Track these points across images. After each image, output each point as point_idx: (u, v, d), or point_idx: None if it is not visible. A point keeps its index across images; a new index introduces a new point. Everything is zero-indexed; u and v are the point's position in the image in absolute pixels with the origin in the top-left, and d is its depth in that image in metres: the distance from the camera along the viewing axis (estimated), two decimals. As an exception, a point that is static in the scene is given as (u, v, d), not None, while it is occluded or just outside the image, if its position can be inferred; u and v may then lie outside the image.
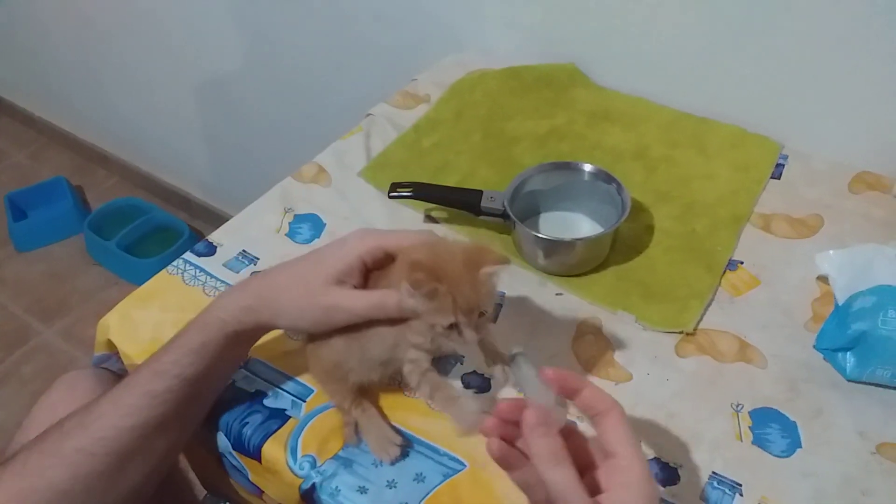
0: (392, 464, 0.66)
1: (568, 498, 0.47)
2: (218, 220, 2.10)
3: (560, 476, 0.48)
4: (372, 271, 0.65)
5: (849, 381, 0.71)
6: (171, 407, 0.61)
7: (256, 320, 0.64)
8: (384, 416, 0.69)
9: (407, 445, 0.67)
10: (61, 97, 2.44)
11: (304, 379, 0.73)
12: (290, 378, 0.74)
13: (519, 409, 0.52)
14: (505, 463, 0.53)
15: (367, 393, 0.70)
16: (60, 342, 1.95)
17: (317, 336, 0.68)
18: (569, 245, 0.82)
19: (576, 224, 0.88)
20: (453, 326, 0.59)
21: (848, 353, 0.71)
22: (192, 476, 0.88)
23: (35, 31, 2.24)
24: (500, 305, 0.79)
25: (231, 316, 0.63)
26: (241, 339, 0.65)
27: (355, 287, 0.63)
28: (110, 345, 0.80)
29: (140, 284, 0.84)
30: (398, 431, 0.68)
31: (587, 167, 0.86)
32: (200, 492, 0.91)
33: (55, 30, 2.16)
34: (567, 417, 0.55)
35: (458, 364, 0.74)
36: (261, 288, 0.65)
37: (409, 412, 0.70)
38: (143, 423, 0.60)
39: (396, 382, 0.72)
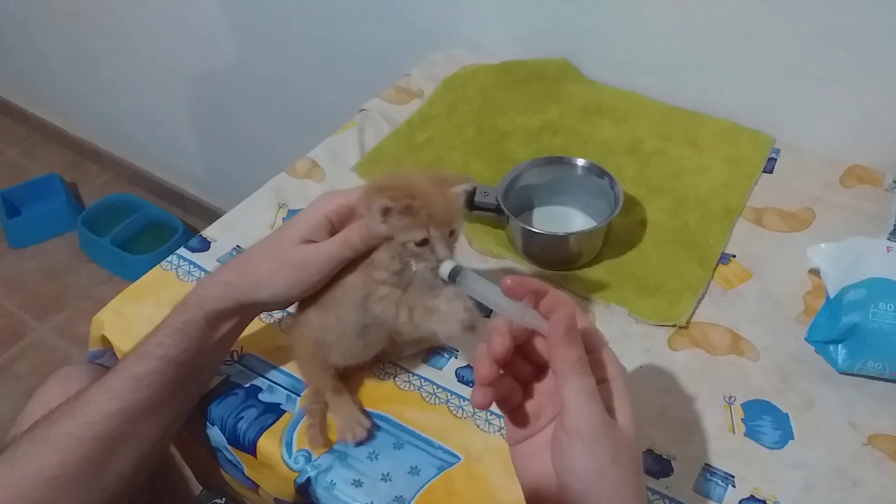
0: (356, 445, 0.67)
1: (589, 406, 0.45)
2: (212, 215, 2.09)
3: (587, 383, 0.45)
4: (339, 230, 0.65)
5: (840, 373, 0.72)
6: (156, 390, 0.61)
7: (235, 296, 0.63)
8: (356, 401, 0.70)
9: (373, 428, 0.68)
10: (54, 93, 2.43)
11: (299, 373, 0.73)
12: (284, 372, 0.74)
13: (509, 328, 0.48)
14: (499, 390, 0.49)
15: (350, 379, 0.71)
16: (55, 339, 1.95)
17: (298, 318, 0.68)
18: (562, 239, 0.82)
19: (569, 218, 0.88)
20: (425, 243, 0.58)
21: (839, 345, 0.71)
22: (187, 472, 0.88)
23: (28, 26, 2.23)
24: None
25: (210, 293, 0.63)
26: (223, 319, 0.64)
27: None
28: (104, 341, 0.80)
29: (134, 281, 0.84)
30: (395, 424, 0.69)
31: (580, 162, 0.87)
32: (196, 488, 0.91)
33: (48, 26, 2.15)
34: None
35: (453, 357, 0.74)
36: (237, 264, 0.65)
37: (404, 405, 0.70)
38: (130, 407, 0.60)
39: (382, 368, 0.72)
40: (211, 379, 0.71)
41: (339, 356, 0.68)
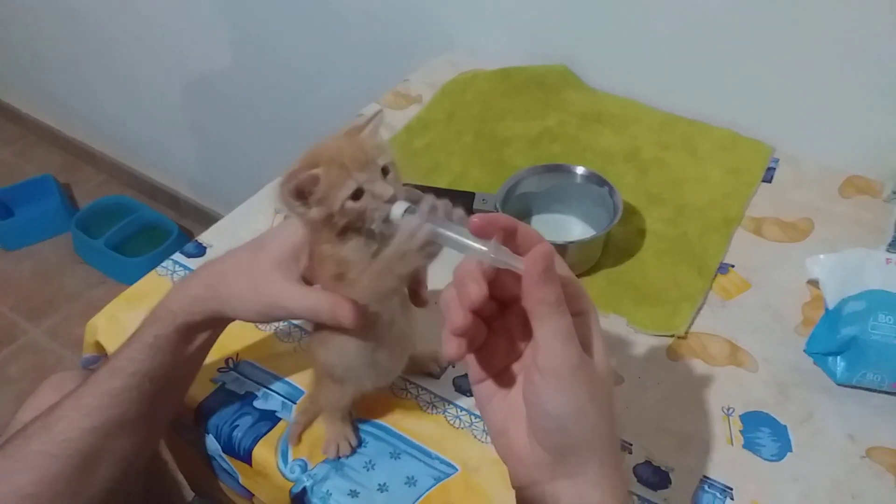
0: (334, 459, 0.66)
1: (567, 347, 0.42)
2: (207, 218, 2.09)
3: (564, 322, 0.42)
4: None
5: (839, 385, 0.71)
6: (132, 406, 0.60)
7: (204, 310, 0.60)
8: (353, 413, 0.69)
9: (356, 448, 0.67)
10: (49, 94, 2.42)
11: (295, 380, 0.73)
12: (280, 379, 0.73)
13: (482, 272, 0.44)
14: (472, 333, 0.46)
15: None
16: (47, 341, 1.93)
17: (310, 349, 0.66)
18: (561, 248, 0.81)
19: (568, 227, 0.88)
20: (361, 193, 0.52)
21: (838, 357, 0.71)
22: (180, 478, 0.88)
23: (23, 27, 2.22)
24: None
25: (179, 307, 0.60)
26: (195, 332, 0.62)
27: (304, 269, 0.60)
28: (98, 346, 0.79)
29: (128, 284, 0.83)
30: (392, 433, 0.68)
31: (579, 170, 0.86)
32: (189, 494, 0.90)
33: (43, 26, 2.14)
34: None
35: (451, 366, 0.74)
36: (207, 276, 0.62)
37: (401, 414, 0.70)
38: (104, 424, 0.59)
39: (400, 389, 0.72)
40: (187, 389, 0.69)
41: (354, 388, 0.64)
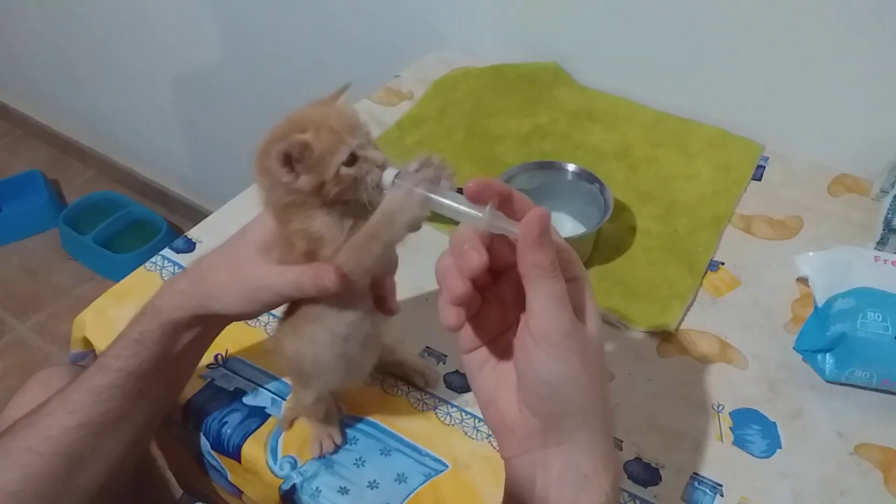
0: (318, 458, 0.66)
1: (560, 311, 0.42)
2: (196, 214, 2.08)
3: (558, 287, 0.42)
4: None
5: (828, 382, 0.72)
6: (117, 403, 0.59)
7: (188, 305, 0.59)
8: (341, 410, 0.69)
9: (340, 446, 0.66)
10: (37, 89, 2.41)
11: (285, 377, 0.72)
12: (269, 376, 0.73)
13: (482, 239, 0.44)
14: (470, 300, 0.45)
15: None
16: (34, 337, 1.92)
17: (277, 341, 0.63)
18: (552, 244, 0.82)
19: (559, 224, 0.88)
20: (355, 159, 0.50)
21: (827, 354, 0.71)
22: (169, 476, 0.87)
23: (11, 21, 2.21)
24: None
25: (165, 302, 0.60)
26: (181, 329, 0.60)
27: (278, 258, 0.58)
28: (86, 342, 0.78)
29: (116, 280, 0.83)
30: (383, 430, 0.68)
31: (570, 167, 0.87)
32: (178, 492, 0.90)
33: (32, 20, 2.13)
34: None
35: (441, 363, 0.74)
36: (192, 271, 0.61)
37: (392, 411, 0.70)
38: (89, 421, 0.58)
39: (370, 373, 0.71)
40: (179, 393, 0.68)
41: (320, 385, 0.62)
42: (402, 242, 0.51)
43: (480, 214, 0.43)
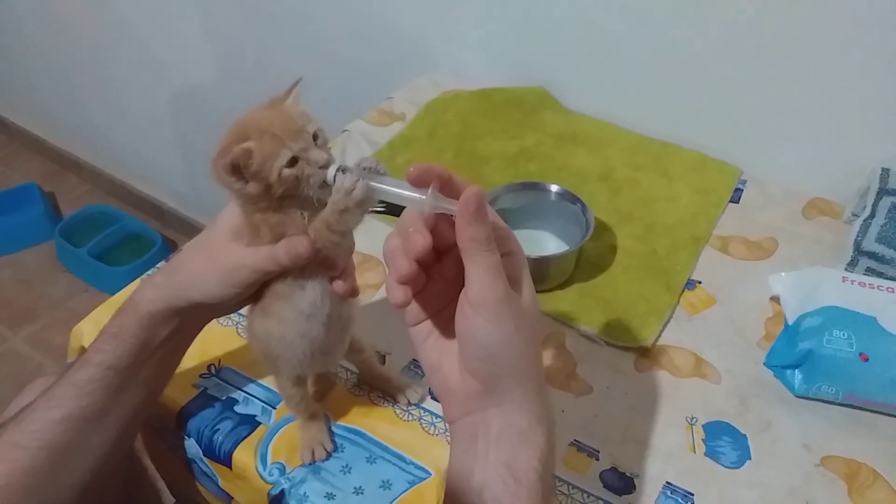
0: (310, 463, 0.68)
1: (495, 281, 0.45)
2: (191, 229, 2.09)
3: (493, 259, 0.46)
4: None
5: (796, 396, 0.75)
6: (98, 398, 0.60)
7: (166, 297, 0.61)
8: (329, 418, 0.71)
9: (331, 453, 0.69)
10: (35, 102, 2.43)
11: (275, 386, 0.74)
12: (260, 385, 0.76)
13: (424, 222, 0.47)
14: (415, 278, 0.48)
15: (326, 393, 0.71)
16: (27, 349, 1.93)
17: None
18: (535, 262, 0.84)
19: (542, 242, 0.91)
20: (295, 161, 0.53)
21: (796, 370, 0.74)
22: (160, 484, 0.89)
23: (9, 35, 2.23)
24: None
25: (142, 296, 0.61)
26: (158, 322, 0.61)
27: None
28: (83, 352, 0.80)
29: (111, 293, 0.85)
30: (368, 439, 0.70)
31: (554, 188, 0.90)
32: (169, 500, 0.91)
33: (30, 34, 2.15)
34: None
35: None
36: (170, 263, 0.64)
37: (377, 420, 0.72)
38: (72, 415, 0.59)
39: (357, 384, 0.74)
40: (162, 389, 0.69)
41: (288, 367, 0.65)
42: None
43: (423, 197, 0.47)
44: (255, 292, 0.62)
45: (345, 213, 0.53)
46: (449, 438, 0.70)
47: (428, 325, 0.51)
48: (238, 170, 0.53)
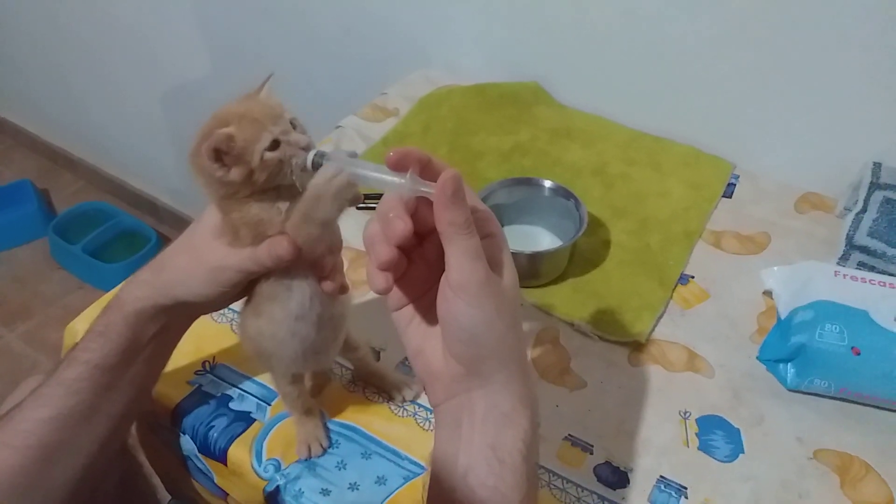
0: (305, 459, 0.68)
1: (474, 264, 0.45)
2: (186, 225, 2.06)
3: (473, 242, 0.45)
4: None
5: (789, 390, 0.75)
6: (86, 396, 0.60)
7: (152, 295, 0.61)
8: (325, 415, 0.71)
9: (327, 449, 0.69)
10: (29, 99, 2.42)
11: (269, 382, 0.75)
12: (255, 382, 0.76)
13: (405, 207, 0.47)
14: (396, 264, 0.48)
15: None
16: (22, 346, 1.93)
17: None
18: (529, 258, 0.85)
19: (536, 237, 0.91)
20: (277, 144, 0.53)
21: (788, 364, 0.75)
22: (156, 481, 0.89)
23: (3, 32, 2.22)
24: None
25: (128, 294, 0.61)
26: (145, 320, 0.61)
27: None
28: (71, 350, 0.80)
29: (105, 289, 0.84)
30: (363, 435, 0.71)
31: (547, 183, 0.90)
32: (165, 497, 0.91)
33: (23, 31, 2.14)
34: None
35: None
36: (155, 261, 0.63)
37: (372, 416, 0.72)
38: (60, 414, 0.59)
39: (352, 380, 0.74)
40: (151, 388, 0.69)
41: (281, 366, 0.65)
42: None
43: (402, 181, 0.46)
44: (245, 289, 0.61)
45: (319, 200, 0.53)
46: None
47: (410, 309, 0.51)
48: (220, 156, 0.53)
